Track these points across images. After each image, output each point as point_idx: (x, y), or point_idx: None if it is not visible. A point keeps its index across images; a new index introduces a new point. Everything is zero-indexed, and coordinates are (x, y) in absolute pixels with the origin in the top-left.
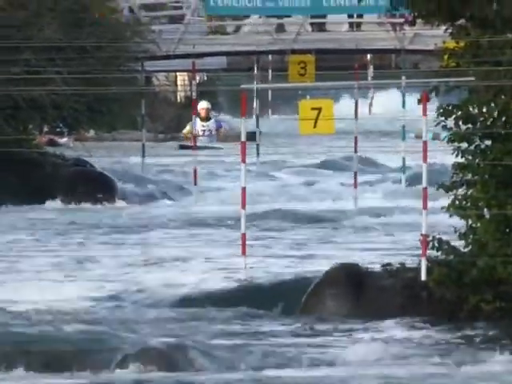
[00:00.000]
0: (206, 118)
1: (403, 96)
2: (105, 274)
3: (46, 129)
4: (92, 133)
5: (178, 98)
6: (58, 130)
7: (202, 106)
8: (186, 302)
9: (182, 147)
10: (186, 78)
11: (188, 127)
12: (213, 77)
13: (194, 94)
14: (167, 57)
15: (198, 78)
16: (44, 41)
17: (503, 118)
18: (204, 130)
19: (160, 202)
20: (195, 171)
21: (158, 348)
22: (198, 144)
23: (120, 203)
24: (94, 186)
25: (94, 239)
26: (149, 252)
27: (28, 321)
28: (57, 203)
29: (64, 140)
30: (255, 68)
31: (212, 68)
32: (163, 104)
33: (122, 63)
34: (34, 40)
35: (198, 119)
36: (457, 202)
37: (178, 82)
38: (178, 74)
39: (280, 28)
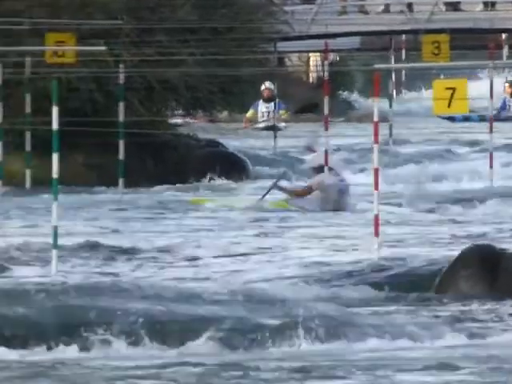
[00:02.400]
0: (269, 99)
1: None
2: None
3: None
4: (225, 114)
5: (311, 78)
6: (192, 111)
7: (265, 86)
8: (317, 281)
9: (266, 128)
10: (319, 58)
11: (251, 110)
12: (345, 57)
13: (326, 74)
14: (300, 37)
15: (330, 58)
16: (177, 22)
17: None
18: (268, 112)
19: (291, 183)
20: (326, 151)
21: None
22: (264, 125)
23: (253, 184)
24: (226, 167)
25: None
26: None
27: None
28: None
29: (177, 121)
30: (391, 47)
31: (345, 48)
32: (295, 85)
33: (255, 44)
34: (167, 21)
35: (261, 101)
36: None
37: (311, 63)
38: (310, 54)
39: (409, 7)
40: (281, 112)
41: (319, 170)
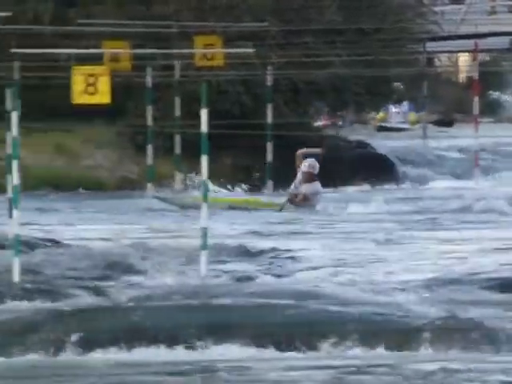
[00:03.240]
0: (399, 101)
1: None
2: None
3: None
4: (373, 114)
5: (460, 78)
6: (339, 113)
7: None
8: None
9: (380, 129)
10: (468, 58)
11: (382, 112)
12: (496, 57)
13: (475, 74)
14: (449, 37)
15: (480, 58)
16: (324, 24)
17: None
18: (398, 112)
19: (440, 184)
20: (477, 153)
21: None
22: (391, 125)
23: (403, 185)
24: (375, 168)
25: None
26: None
27: None
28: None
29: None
30: None
31: (494, 48)
32: (444, 85)
33: (404, 44)
34: (313, 23)
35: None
36: None
37: (460, 63)
38: (459, 54)
39: None
40: (410, 114)
41: (315, 177)
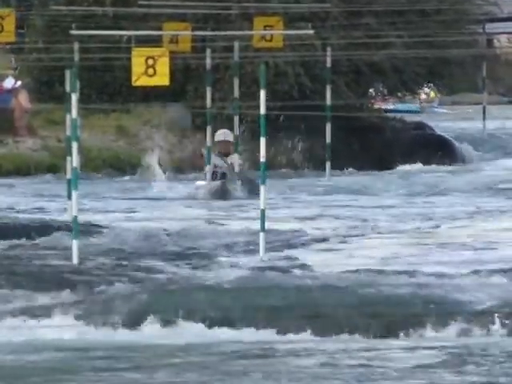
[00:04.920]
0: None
1: None
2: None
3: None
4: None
5: None
6: (399, 94)
7: None
8: None
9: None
10: None
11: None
12: None
13: None
14: (509, 18)
15: None
16: (385, 5)
17: None
18: (425, 92)
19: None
20: None
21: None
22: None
23: (460, 166)
24: (433, 149)
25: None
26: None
27: None
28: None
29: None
30: None
31: None
32: (505, 66)
33: (463, 26)
34: (375, 4)
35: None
36: None
37: None
38: None
39: None
40: (431, 91)
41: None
